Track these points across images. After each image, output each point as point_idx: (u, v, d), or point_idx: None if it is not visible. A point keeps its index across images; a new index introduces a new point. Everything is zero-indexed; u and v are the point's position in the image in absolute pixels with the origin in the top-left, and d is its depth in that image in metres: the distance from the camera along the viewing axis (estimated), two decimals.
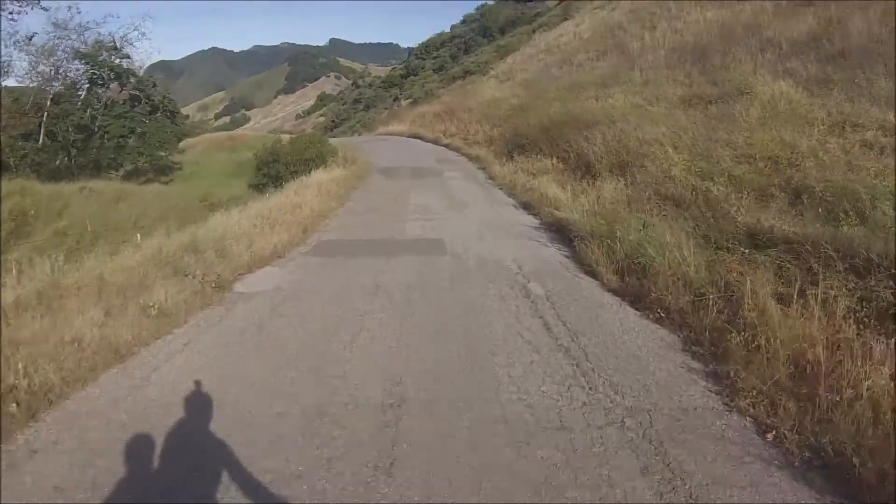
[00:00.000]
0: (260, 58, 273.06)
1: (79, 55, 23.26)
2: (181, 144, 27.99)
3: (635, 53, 19.47)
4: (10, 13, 21.30)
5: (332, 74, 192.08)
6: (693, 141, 9.15)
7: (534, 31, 42.11)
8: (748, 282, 4.43)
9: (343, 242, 8.14)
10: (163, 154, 24.52)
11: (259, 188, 15.25)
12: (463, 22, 71.70)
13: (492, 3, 67.04)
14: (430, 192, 11.87)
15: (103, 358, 4.10)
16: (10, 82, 23.09)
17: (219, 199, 13.48)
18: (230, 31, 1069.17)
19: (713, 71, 13.02)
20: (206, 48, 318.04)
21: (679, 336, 4.54)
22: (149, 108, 25.10)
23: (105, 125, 23.26)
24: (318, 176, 12.57)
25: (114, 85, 24.49)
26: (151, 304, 4.90)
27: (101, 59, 23.68)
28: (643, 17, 24.19)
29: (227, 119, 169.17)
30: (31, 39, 22.39)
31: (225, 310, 5.34)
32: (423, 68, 65.78)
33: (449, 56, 62.18)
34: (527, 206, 10.15)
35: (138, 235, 6.87)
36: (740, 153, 8.01)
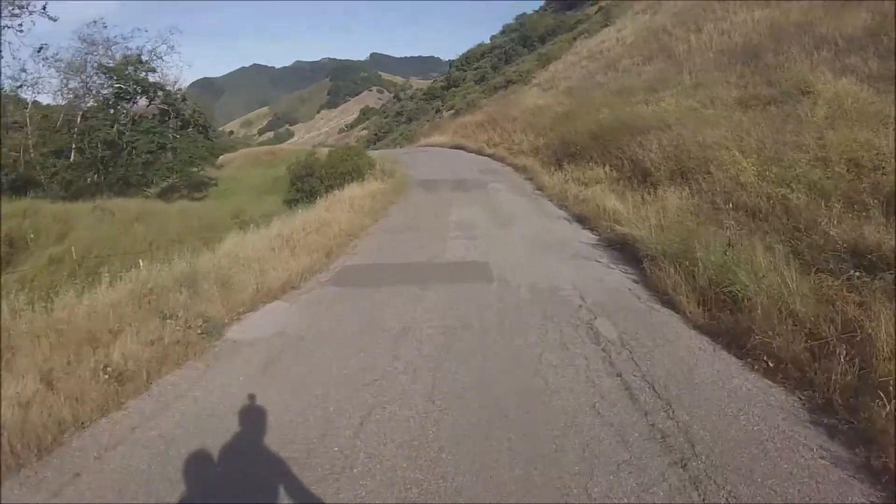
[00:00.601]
0: (302, 73, 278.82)
1: (103, 69, 23.28)
2: (220, 159, 28.32)
3: (682, 57, 19.08)
4: (20, 25, 21.43)
5: (374, 88, 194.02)
6: (759, 144, 8.47)
7: (574, 39, 41.62)
8: (881, 320, 3.55)
9: (371, 267, 7.33)
10: (195, 170, 24.48)
11: (293, 204, 15.04)
12: (503, 32, 71.41)
13: (531, 13, 66.63)
14: (473, 206, 11.31)
15: (14, 457, 3.04)
16: (43, 98, 23.58)
17: (250, 215, 13.16)
18: (272, 48, 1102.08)
19: (767, 71, 12.41)
20: (247, 65, 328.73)
21: (800, 398, 3.49)
22: (179, 124, 25.14)
23: (132, 141, 23.18)
24: (352, 190, 12.17)
25: (143, 100, 24.64)
26: (106, 364, 3.87)
27: (126, 73, 23.69)
28: (687, 19, 23.60)
29: (270, 134, 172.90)
30: (39, 51, 22.54)
31: (203, 369, 4.30)
32: (464, 79, 65.63)
33: (490, 66, 61.75)
34: (582, 220, 9.43)
35: (141, 262, 5.98)
36: (813, 156, 7.31)
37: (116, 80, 23.37)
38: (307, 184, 16.39)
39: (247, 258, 6.56)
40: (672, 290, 5.31)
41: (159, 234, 13.92)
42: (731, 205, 7.05)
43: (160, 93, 24.82)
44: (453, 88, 65.86)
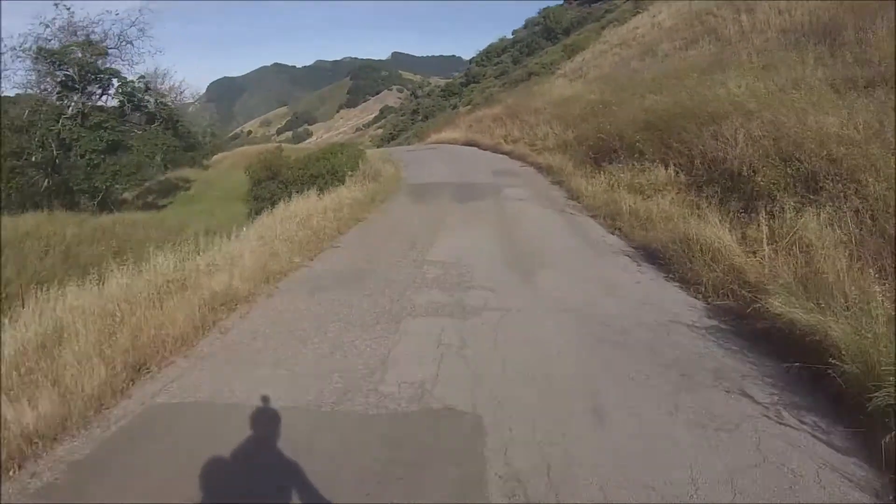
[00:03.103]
0: (322, 73, 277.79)
1: (45, 53, 19.76)
2: (214, 159, 25.46)
3: (735, 38, 17.35)
4: None
5: (395, 88, 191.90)
6: None
7: (603, 28, 39.89)
8: None
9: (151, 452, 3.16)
10: (153, 172, 21.25)
11: (258, 213, 11.68)
12: (525, 27, 68.68)
13: (553, 5, 63.80)
14: (476, 228, 8.06)
15: None
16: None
17: (192, 232, 9.74)
18: (293, 47, 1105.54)
19: (851, 49, 10.34)
20: (268, 64, 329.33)
21: None
22: (144, 118, 21.93)
23: (74, 139, 19.60)
24: (308, 202, 9.12)
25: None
26: None
27: (72, 57, 20.02)
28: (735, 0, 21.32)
29: (289, 134, 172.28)
30: None
31: None
32: (484, 75, 63.26)
33: (511, 61, 59.27)
34: (657, 260, 6.10)
35: None
36: None
37: (59, 65, 20.00)
38: (267, 189, 12.92)
39: None
40: None
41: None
42: None
43: (115, 81, 21.37)
44: (472, 84, 63.22)
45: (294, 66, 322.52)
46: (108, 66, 21.32)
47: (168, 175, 25.83)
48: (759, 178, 6.23)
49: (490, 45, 72.83)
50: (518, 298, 5.27)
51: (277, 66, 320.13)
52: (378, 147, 42.29)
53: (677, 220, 6.30)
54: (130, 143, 20.69)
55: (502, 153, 17.52)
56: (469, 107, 42.56)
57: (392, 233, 8.27)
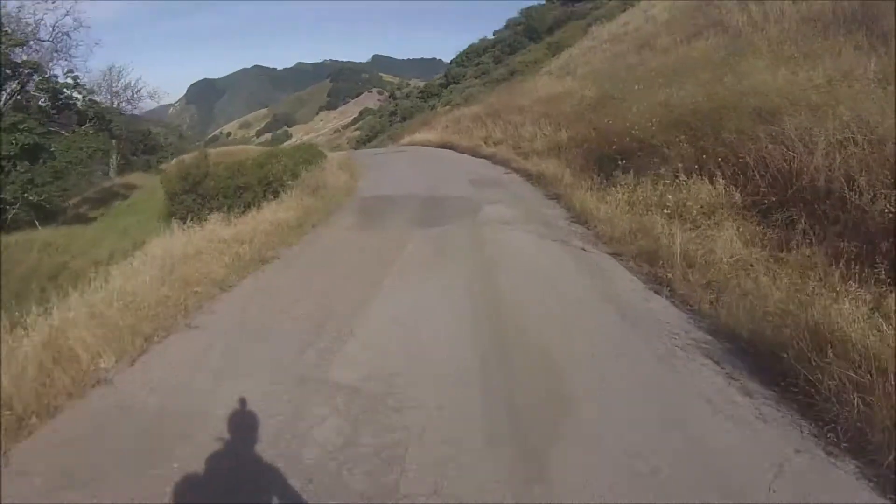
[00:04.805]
0: (303, 75, 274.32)
1: None
2: (174, 162, 22.65)
3: (745, 29, 15.22)
4: None
5: (375, 90, 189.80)
6: None
7: (589, 26, 37.24)
8: None
9: None
10: (76, 180, 18.35)
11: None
12: (506, 27, 66.65)
13: (536, 5, 62.03)
14: (437, 278, 5.58)
15: None
16: None
17: (86, 261, 7.34)
18: (273, 49, 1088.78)
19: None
20: (248, 66, 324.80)
21: None
22: (76, 119, 19.25)
23: None
24: (204, 231, 6.60)
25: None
26: None
27: None
28: None
29: (268, 136, 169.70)
30: None
31: None
32: (464, 76, 61.12)
33: (492, 61, 57.36)
34: (765, 370, 3.46)
35: None
36: None
37: None
38: (184, 203, 10.20)
39: None
40: None
41: None
42: None
43: (35, 76, 18.53)
44: (452, 85, 61.09)
45: (274, 68, 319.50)
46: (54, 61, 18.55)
47: (116, 181, 23.25)
48: (885, 207, 3.91)
49: (470, 46, 70.74)
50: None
51: (258, 68, 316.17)
52: (354, 149, 40.02)
53: (767, 280, 3.90)
54: (56, 147, 17.68)
55: (482, 157, 15.16)
56: (448, 107, 40.36)
57: (302, 291, 5.49)
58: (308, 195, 8.56)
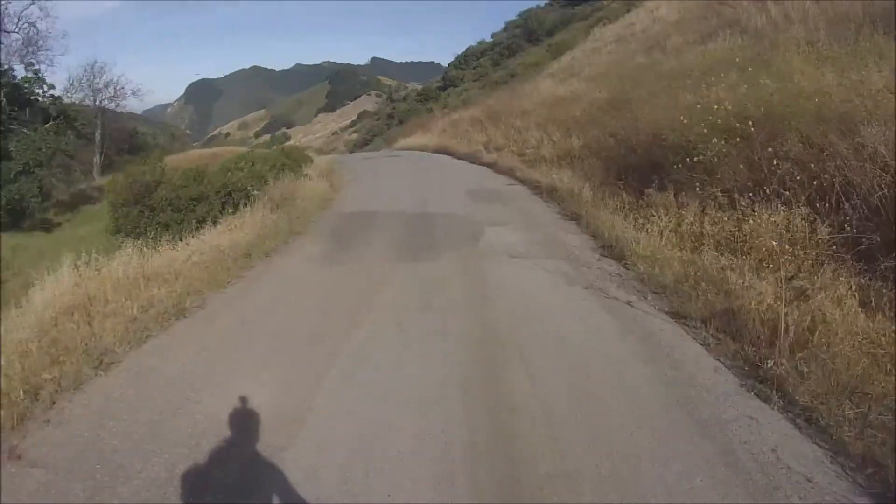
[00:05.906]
0: (301, 77, 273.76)
1: None
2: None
3: (765, 30, 14.47)
4: None
5: (374, 93, 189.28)
6: None
7: (591, 27, 36.82)
8: None
9: None
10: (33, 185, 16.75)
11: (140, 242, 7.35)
12: (504, 29, 65.56)
13: (534, 6, 61.37)
14: (419, 363, 3.69)
15: None
16: None
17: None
18: (272, 50, 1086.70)
19: None
20: (246, 67, 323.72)
21: None
22: (41, 117, 17.76)
23: None
24: (113, 264, 5.03)
25: None
26: None
27: None
28: None
29: (267, 137, 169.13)
30: None
31: None
32: (462, 79, 60.00)
33: (490, 64, 56.32)
34: None
35: None
36: None
37: None
38: (129, 216, 8.56)
39: None
40: None
41: None
42: None
43: None
44: (450, 88, 60.01)
45: (273, 70, 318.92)
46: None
47: (95, 183, 21.95)
48: None
49: (468, 48, 69.68)
50: None
51: (256, 69, 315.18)
52: (351, 152, 38.87)
53: None
54: (12, 147, 16.18)
55: (482, 164, 13.84)
56: (445, 110, 39.19)
57: (205, 381, 3.54)
58: (271, 210, 7.14)
